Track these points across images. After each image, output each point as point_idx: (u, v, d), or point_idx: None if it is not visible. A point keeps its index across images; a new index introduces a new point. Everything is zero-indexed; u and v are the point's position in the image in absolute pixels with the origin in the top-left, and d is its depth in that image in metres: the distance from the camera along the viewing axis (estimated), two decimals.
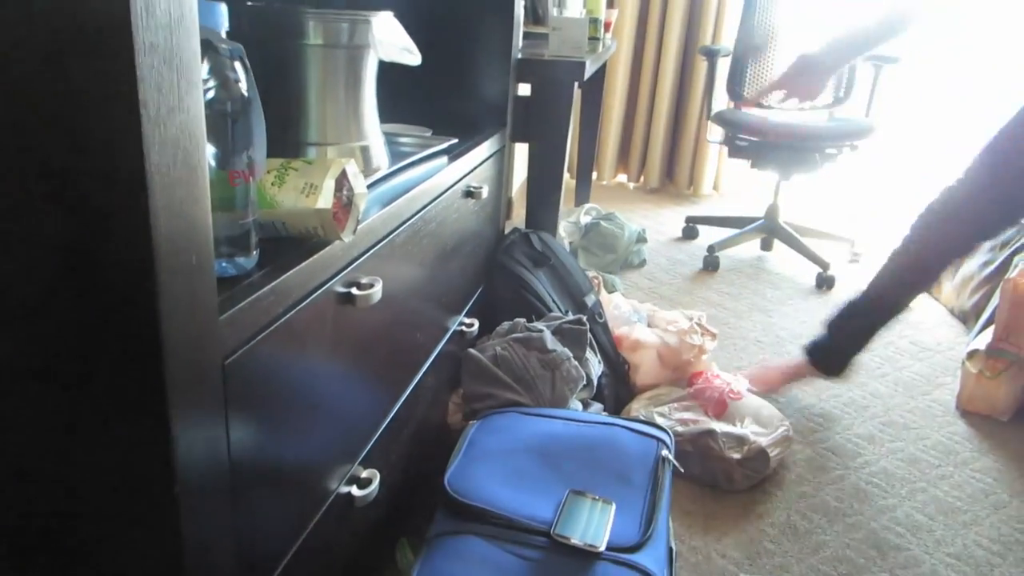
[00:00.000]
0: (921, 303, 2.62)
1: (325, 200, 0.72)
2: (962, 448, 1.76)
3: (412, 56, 1.01)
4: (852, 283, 2.76)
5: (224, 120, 0.60)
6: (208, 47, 0.56)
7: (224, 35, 0.59)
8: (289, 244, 0.76)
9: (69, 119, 0.46)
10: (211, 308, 0.58)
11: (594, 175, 3.91)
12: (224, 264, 0.67)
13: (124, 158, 0.46)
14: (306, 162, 0.76)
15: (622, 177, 4.04)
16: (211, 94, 0.57)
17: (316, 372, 0.82)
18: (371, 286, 0.87)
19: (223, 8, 0.59)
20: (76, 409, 0.55)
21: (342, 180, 0.78)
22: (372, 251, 0.92)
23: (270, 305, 0.68)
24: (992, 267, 2.27)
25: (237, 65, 0.59)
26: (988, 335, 1.91)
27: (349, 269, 0.86)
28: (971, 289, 2.37)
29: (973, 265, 2.39)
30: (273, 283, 0.68)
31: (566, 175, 3.83)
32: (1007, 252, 2.24)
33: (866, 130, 2.69)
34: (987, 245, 2.35)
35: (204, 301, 0.56)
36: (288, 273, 0.70)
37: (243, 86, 0.60)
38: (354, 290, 0.85)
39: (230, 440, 0.64)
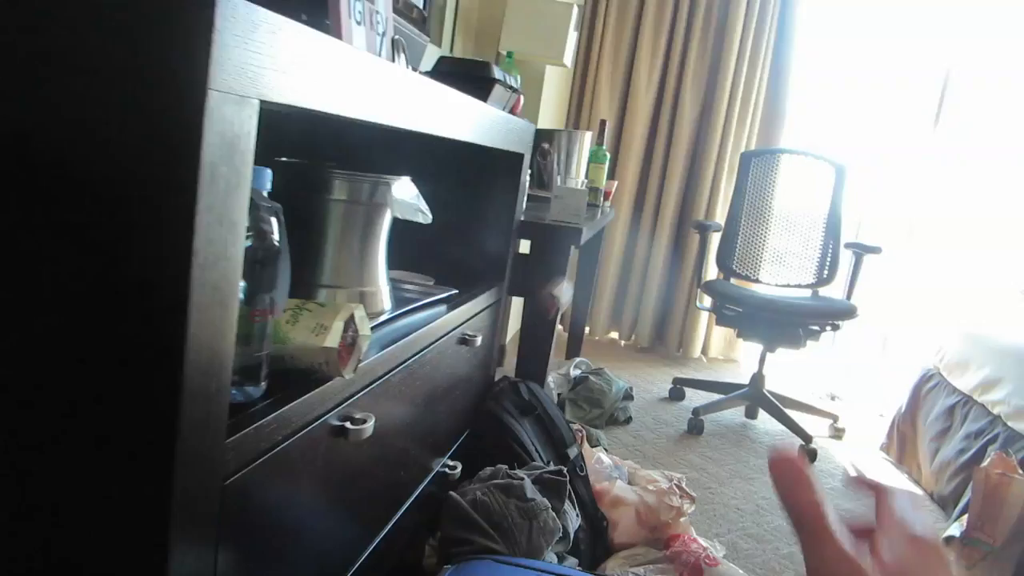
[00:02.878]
0: (902, 485, 2.64)
1: (333, 340, 0.80)
2: None
3: (424, 216, 1.12)
4: (834, 458, 2.81)
5: (255, 266, 0.68)
6: (252, 205, 0.66)
7: (266, 195, 0.69)
8: (294, 376, 0.83)
9: (132, 261, 0.54)
10: (220, 431, 0.64)
11: (587, 330, 4.02)
12: (234, 392, 0.73)
13: (171, 296, 0.54)
14: (320, 304, 0.84)
15: (614, 334, 4.15)
16: (248, 243, 0.66)
17: (303, 501, 0.87)
18: (364, 421, 0.93)
19: (269, 173, 0.69)
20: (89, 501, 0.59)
21: (349, 322, 0.86)
22: (368, 389, 0.99)
23: (271, 432, 0.73)
24: (968, 455, 2.32)
25: (273, 220, 0.68)
26: (964, 523, 1.93)
27: (346, 404, 0.92)
28: (948, 475, 2.40)
29: (950, 452, 2.44)
30: (276, 412, 0.74)
31: (559, 328, 3.95)
32: (982, 441, 2.29)
33: (847, 311, 2.82)
34: (962, 432, 2.42)
35: (216, 425, 0.62)
36: (291, 404, 0.77)
37: (275, 238, 0.69)
38: (348, 424, 0.91)
39: (217, 560, 0.68)
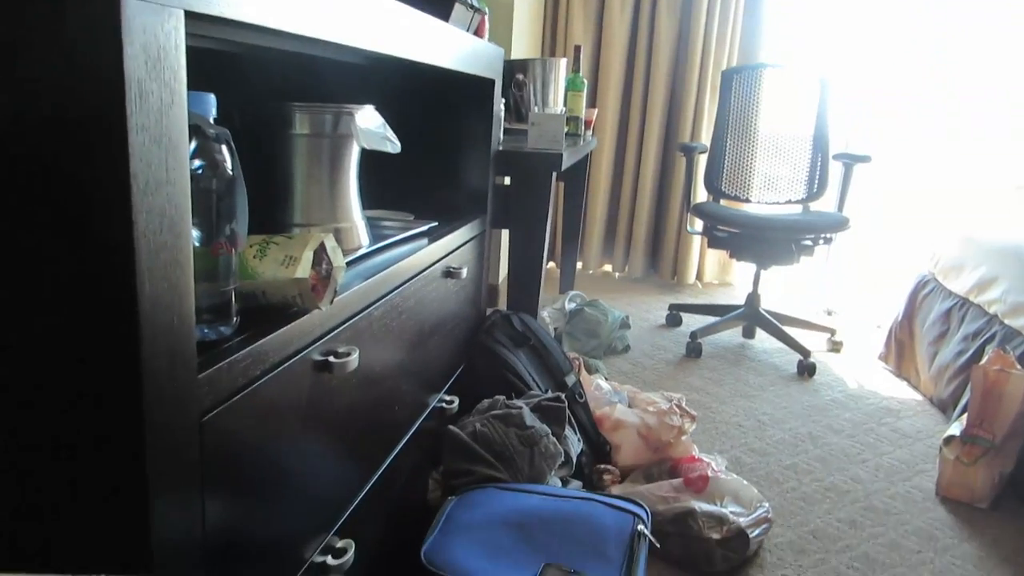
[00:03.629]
0: (901, 392, 2.66)
1: (303, 270, 0.78)
2: (942, 534, 1.76)
3: (392, 145, 1.09)
4: (833, 371, 2.82)
5: (209, 196, 0.66)
6: (197, 131, 0.63)
7: (212, 121, 0.66)
8: (269, 312, 0.81)
9: (68, 186, 0.52)
10: (190, 366, 0.62)
11: (579, 265, 4.01)
12: (205, 330, 0.71)
13: (115, 223, 0.51)
14: (287, 237, 0.82)
15: (607, 267, 4.13)
16: (198, 172, 0.64)
17: (292, 437, 0.86)
18: (348, 355, 0.91)
19: (212, 98, 0.66)
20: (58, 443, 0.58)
21: (321, 253, 0.84)
22: (350, 322, 0.97)
23: (247, 367, 0.72)
24: (965, 356, 2.32)
25: (223, 147, 0.66)
26: (964, 422, 1.94)
27: (327, 338, 0.90)
28: (947, 378, 2.41)
29: (948, 355, 2.44)
30: (250, 347, 0.72)
31: (552, 264, 3.94)
32: (979, 342, 2.30)
33: (839, 223, 2.79)
34: (959, 334, 2.42)
35: (183, 359, 0.61)
36: (265, 338, 0.75)
37: (228, 165, 0.66)
38: (331, 358, 0.89)
39: (205, 502, 0.67)
